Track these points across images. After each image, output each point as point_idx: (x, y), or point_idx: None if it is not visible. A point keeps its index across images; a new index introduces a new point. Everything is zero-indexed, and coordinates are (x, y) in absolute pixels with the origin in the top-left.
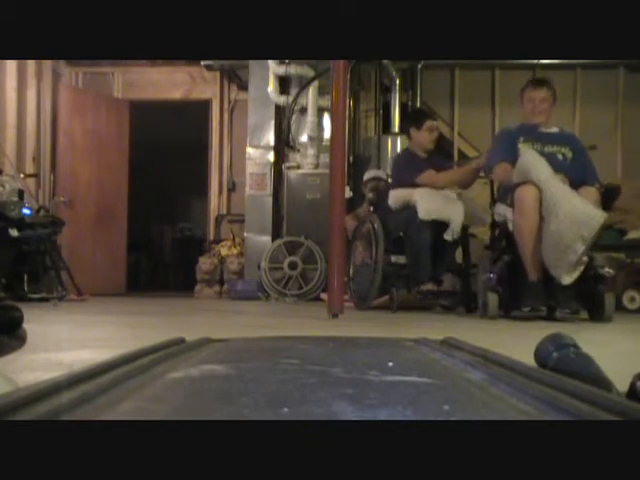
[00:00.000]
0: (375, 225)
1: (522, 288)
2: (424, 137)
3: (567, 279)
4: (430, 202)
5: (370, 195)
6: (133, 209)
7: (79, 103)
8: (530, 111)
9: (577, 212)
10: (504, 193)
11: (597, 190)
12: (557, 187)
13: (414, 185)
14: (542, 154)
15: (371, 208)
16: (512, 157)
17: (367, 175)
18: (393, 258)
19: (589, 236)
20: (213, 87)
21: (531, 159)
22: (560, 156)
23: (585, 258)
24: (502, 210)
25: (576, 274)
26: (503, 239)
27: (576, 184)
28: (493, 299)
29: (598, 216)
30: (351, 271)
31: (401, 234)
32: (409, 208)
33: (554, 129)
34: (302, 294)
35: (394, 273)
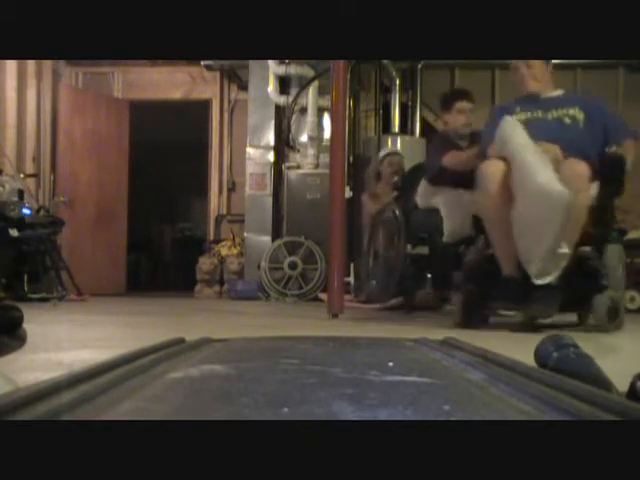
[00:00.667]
0: (397, 213)
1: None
2: (455, 120)
3: (541, 278)
4: (455, 220)
5: (395, 179)
6: (133, 209)
7: (79, 103)
8: (520, 81)
9: (541, 190)
10: None
11: (588, 163)
12: (527, 159)
13: (442, 170)
14: (545, 121)
15: (395, 193)
16: None
17: (382, 153)
18: (414, 250)
19: (556, 221)
20: (213, 87)
21: (507, 128)
22: (568, 120)
23: (565, 251)
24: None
25: (555, 272)
26: (473, 228)
27: (595, 148)
28: (458, 301)
29: (564, 194)
30: (370, 261)
31: (425, 236)
32: (436, 215)
33: (557, 92)
34: (302, 294)
35: (414, 270)
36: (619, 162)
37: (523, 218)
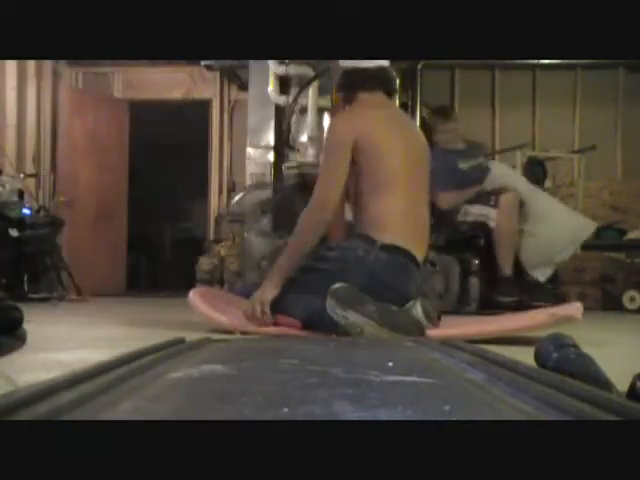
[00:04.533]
0: None
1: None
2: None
3: (544, 276)
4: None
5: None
6: (133, 209)
7: (79, 103)
8: (452, 137)
9: (573, 218)
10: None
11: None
12: (543, 196)
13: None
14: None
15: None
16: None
17: None
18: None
19: (578, 241)
20: (213, 87)
21: (501, 170)
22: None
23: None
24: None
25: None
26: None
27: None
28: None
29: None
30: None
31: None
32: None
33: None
34: None
35: None
36: None
37: (540, 235)
